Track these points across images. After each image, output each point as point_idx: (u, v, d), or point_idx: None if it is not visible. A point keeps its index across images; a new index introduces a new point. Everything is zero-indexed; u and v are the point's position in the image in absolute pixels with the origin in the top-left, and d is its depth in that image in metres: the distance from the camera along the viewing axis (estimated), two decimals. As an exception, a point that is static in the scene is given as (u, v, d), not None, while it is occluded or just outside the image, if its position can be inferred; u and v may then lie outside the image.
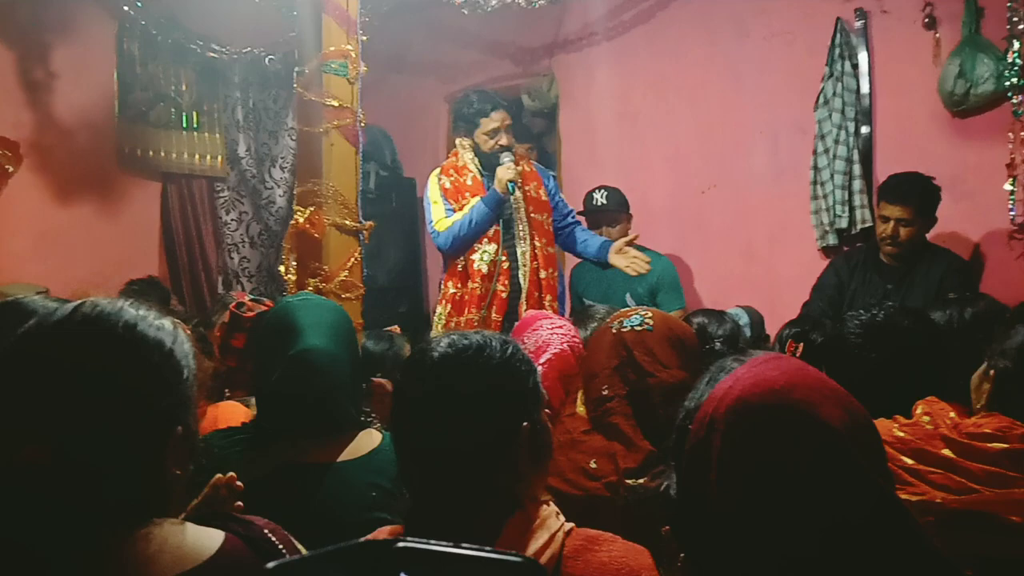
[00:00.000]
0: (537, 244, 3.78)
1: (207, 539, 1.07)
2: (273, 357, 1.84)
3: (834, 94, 4.23)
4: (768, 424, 0.95)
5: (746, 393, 0.97)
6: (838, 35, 4.24)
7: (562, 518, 1.29)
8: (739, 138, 4.67)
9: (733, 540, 0.94)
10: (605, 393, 1.90)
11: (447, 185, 3.85)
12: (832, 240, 4.26)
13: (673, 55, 4.91)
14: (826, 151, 4.24)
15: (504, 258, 3.75)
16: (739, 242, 4.68)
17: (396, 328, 3.25)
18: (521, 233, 3.77)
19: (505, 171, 3.68)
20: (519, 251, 3.77)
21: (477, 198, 3.75)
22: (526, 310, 3.64)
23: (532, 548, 1.20)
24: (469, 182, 3.83)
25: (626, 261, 3.77)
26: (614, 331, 1.96)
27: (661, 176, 4.97)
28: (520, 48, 5.57)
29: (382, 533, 1.34)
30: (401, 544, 0.62)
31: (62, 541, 0.98)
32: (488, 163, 3.81)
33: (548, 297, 3.75)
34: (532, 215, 3.79)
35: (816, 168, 4.30)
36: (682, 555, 1.01)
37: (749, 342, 2.91)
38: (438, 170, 3.94)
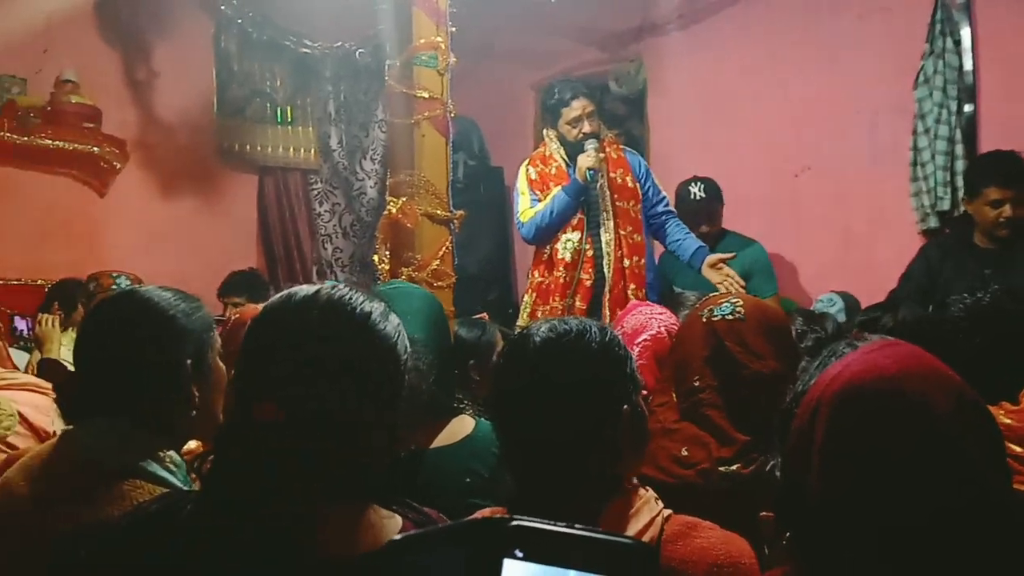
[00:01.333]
0: (622, 232, 3.73)
1: (390, 522, 1.10)
2: None
3: (935, 72, 4.08)
4: (876, 412, 0.93)
5: (856, 379, 0.95)
6: (939, 11, 4.09)
7: (660, 504, 1.29)
8: (835, 119, 4.55)
9: (837, 524, 0.93)
10: (696, 384, 1.87)
11: (533, 175, 3.86)
12: (933, 223, 4.12)
13: (765, 36, 4.81)
14: (927, 131, 4.10)
15: (588, 246, 3.71)
16: (836, 227, 4.57)
17: (484, 315, 3.28)
18: (605, 221, 3.73)
19: (585, 159, 3.65)
20: (603, 239, 3.72)
21: (559, 187, 3.74)
22: (610, 299, 3.63)
23: (631, 532, 1.21)
24: (554, 171, 3.82)
25: (719, 278, 3.60)
26: (704, 320, 1.92)
27: (752, 161, 4.88)
28: (607, 34, 5.53)
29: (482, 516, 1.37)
30: (515, 522, 0.63)
31: (284, 503, 1.03)
32: (574, 152, 3.78)
33: (633, 286, 3.68)
34: (617, 203, 3.75)
35: (916, 149, 4.15)
36: (787, 535, 1.00)
37: (845, 328, 2.83)
38: (527, 161, 3.96)
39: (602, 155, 3.71)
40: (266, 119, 5.60)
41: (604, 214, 3.73)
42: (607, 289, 3.69)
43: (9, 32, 4.56)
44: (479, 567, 0.62)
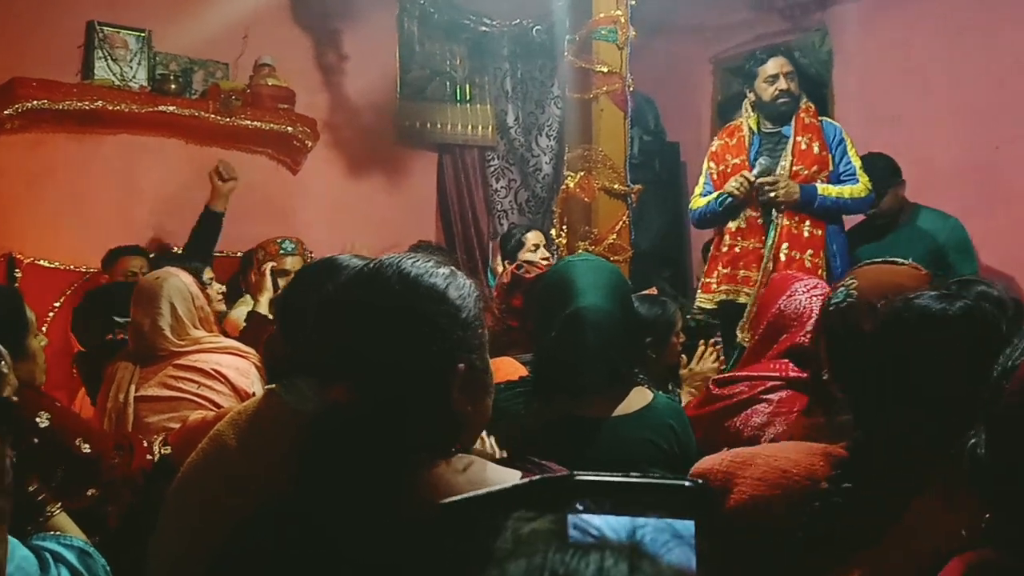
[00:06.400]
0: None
1: (507, 474, 1.12)
2: (552, 315, 1.92)
3: None
4: None
5: None
6: None
7: None
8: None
9: None
10: None
11: (716, 148, 3.80)
12: None
13: (966, -5, 4.50)
14: None
15: (757, 214, 3.63)
16: (1043, 203, 4.24)
17: (654, 290, 3.27)
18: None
19: (731, 183, 3.57)
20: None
21: (719, 195, 3.65)
22: (774, 265, 3.53)
23: None
24: (734, 143, 3.74)
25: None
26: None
27: (948, 131, 4.58)
28: (788, 2, 5.32)
29: None
30: (577, 478, 0.65)
31: (370, 471, 1.07)
32: (768, 114, 3.71)
33: (809, 252, 3.58)
34: (795, 167, 3.64)
35: None
36: (987, 516, 0.95)
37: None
38: (720, 132, 3.91)
39: (746, 185, 3.57)
40: (445, 98, 5.76)
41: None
42: (771, 254, 3.59)
43: (214, 21, 4.88)
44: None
